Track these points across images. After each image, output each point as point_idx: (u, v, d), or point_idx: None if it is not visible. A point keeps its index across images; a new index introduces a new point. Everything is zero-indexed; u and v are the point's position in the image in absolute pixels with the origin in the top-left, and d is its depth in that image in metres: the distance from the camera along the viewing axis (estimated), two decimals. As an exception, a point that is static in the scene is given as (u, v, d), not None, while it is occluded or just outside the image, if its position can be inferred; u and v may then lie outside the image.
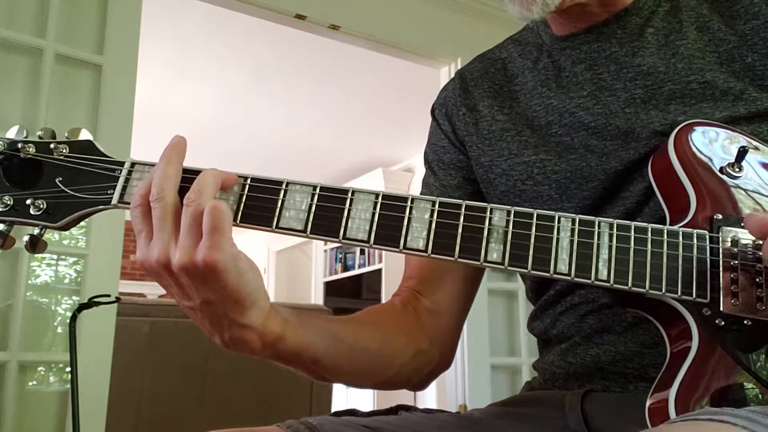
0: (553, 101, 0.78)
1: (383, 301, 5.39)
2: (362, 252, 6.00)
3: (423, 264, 0.85)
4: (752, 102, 0.68)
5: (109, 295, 1.62)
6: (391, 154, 5.54)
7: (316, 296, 6.65)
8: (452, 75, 2.94)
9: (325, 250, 6.59)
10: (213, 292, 0.57)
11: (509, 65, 0.87)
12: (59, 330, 1.92)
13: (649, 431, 0.43)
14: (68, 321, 1.62)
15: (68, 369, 1.70)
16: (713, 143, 0.65)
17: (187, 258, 0.55)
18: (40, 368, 1.89)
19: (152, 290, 7.66)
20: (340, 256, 6.33)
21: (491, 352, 2.60)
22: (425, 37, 2.76)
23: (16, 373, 1.75)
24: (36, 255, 0.64)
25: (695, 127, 0.66)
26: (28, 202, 0.62)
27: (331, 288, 6.43)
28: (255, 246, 8.49)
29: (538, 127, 0.79)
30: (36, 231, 0.63)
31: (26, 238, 0.63)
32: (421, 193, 0.86)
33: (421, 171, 5.60)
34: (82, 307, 1.61)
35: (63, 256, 1.96)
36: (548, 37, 0.82)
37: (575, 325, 0.76)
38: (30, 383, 1.84)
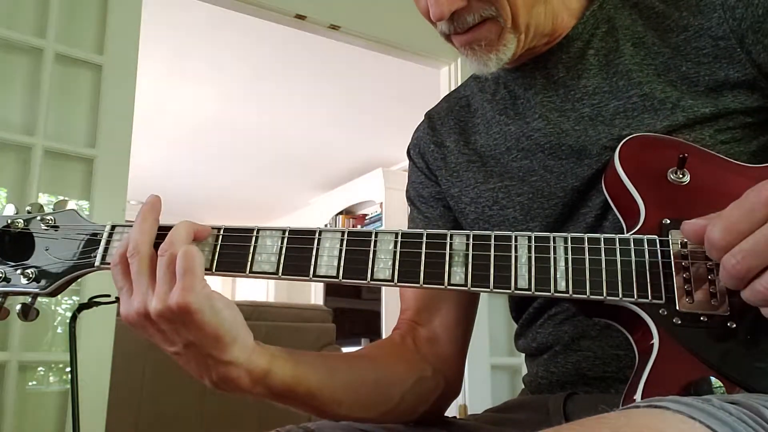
0: (511, 127, 0.83)
1: (383, 301, 5.41)
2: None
3: (417, 294, 0.87)
4: (689, 109, 0.72)
5: (109, 295, 1.62)
6: (391, 154, 5.55)
7: (316, 296, 6.65)
8: (452, 75, 2.94)
9: (325, 250, 6.58)
10: (192, 334, 0.59)
11: (471, 101, 0.92)
12: (59, 330, 1.92)
13: (583, 420, 0.43)
14: (68, 321, 1.62)
15: (68, 369, 1.70)
16: (656, 153, 0.69)
17: (162, 304, 0.59)
18: (40, 368, 1.89)
19: (152, 290, 7.65)
20: (340, 256, 6.33)
21: (491, 352, 2.61)
22: (425, 37, 2.75)
23: (16, 373, 1.75)
24: (32, 322, 0.69)
25: (639, 139, 0.70)
26: (19, 272, 0.67)
27: (331, 288, 6.43)
28: (255, 246, 8.47)
29: (500, 155, 0.83)
30: (28, 300, 0.67)
31: (18, 306, 0.67)
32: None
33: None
34: (82, 307, 1.61)
35: (63, 256, 1.96)
36: (502, 70, 0.86)
37: (553, 334, 0.79)
38: (30, 383, 1.84)
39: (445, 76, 2.86)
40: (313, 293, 6.77)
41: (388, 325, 5.35)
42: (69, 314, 1.71)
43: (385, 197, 5.42)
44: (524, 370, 2.89)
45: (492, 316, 2.61)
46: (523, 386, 0.90)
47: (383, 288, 5.38)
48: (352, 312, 5.98)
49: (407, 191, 0.97)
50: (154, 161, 5.29)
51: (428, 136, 0.93)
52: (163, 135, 4.97)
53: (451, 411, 0.81)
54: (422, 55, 2.81)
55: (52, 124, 1.87)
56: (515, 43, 0.76)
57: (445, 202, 0.90)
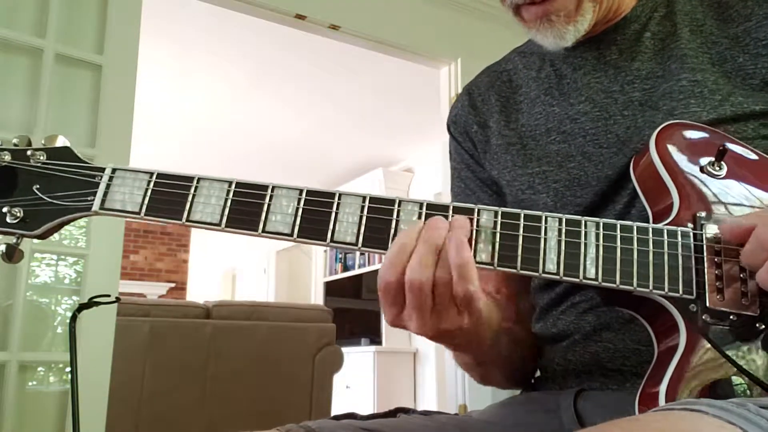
0: (555, 108, 0.81)
1: (383, 301, 5.39)
2: (362, 252, 5.99)
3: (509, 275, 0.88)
4: (739, 105, 0.70)
5: (109, 295, 1.62)
6: (391, 154, 5.55)
7: (316, 296, 6.65)
8: (452, 75, 2.93)
9: (325, 250, 6.59)
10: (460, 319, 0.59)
11: (514, 76, 0.89)
12: (59, 330, 1.92)
13: (619, 421, 0.43)
14: (68, 321, 1.62)
15: (68, 369, 1.70)
16: (694, 142, 0.67)
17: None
18: (40, 368, 1.89)
19: (152, 290, 7.67)
20: (340, 256, 6.34)
21: (491, 352, 2.60)
22: (425, 37, 2.76)
23: (16, 373, 1.75)
24: (16, 264, 0.63)
25: (678, 127, 0.68)
26: (5, 210, 0.61)
27: (331, 288, 6.44)
28: (255, 246, 8.48)
29: (540, 136, 0.81)
30: (13, 240, 0.62)
31: (2, 247, 0.61)
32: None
33: (420, 171, 5.55)
34: (82, 307, 1.61)
35: (63, 256, 1.97)
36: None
37: (574, 322, 0.78)
38: (30, 383, 1.84)
39: (445, 76, 2.85)
40: (313, 293, 6.77)
41: (387, 325, 5.34)
42: (69, 314, 1.71)
43: (385, 197, 5.41)
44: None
45: (492, 316, 2.60)
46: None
47: (383, 288, 5.39)
48: (352, 312, 5.98)
49: (455, 168, 0.93)
50: (154, 161, 5.29)
51: (471, 116, 0.90)
52: (162, 135, 4.97)
53: (452, 410, 0.81)
54: (422, 55, 2.81)
55: (52, 124, 1.87)
56: (591, 14, 0.74)
57: (495, 188, 0.88)
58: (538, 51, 0.87)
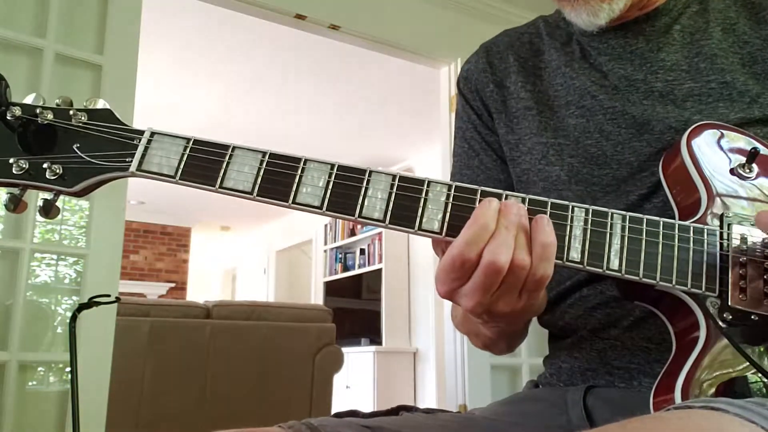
0: (576, 82, 0.81)
1: (382, 301, 5.41)
2: (362, 252, 6.01)
3: None
4: (767, 106, 0.70)
5: (109, 295, 1.62)
6: (391, 154, 5.55)
7: (316, 296, 6.66)
8: (452, 75, 2.91)
9: (325, 251, 6.59)
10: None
11: (536, 40, 0.89)
12: (59, 330, 1.92)
13: (643, 417, 0.43)
14: (68, 321, 1.62)
15: (68, 369, 1.70)
16: (726, 144, 0.67)
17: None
18: (40, 368, 1.89)
19: (152, 290, 7.67)
20: (340, 256, 6.34)
21: (491, 352, 2.60)
22: (425, 37, 2.76)
23: (16, 373, 1.75)
24: (52, 219, 0.62)
25: (709, 128, 0.68)
26: (45, 166, 0.61)
27: (331, 288, 6.44)
28: (255, 246, 8.48)
29: (558, 108, 0.81)
30: (50, 196, 0.63)
31: (40, 202, 0.62)
32: (457, 172, 0.89)
33: (420, 170, 5.55)
34: (82, 307, 1.61)
35: (63, 256, 1.96)
36: (578, 30, 0.84)
37: (582, 317, 0.77)
38: (30, 383, 1.84)
39: (445, 76, 2.85)
40: (313, 293, 6.77)
41: (387, 324, 5.35)
42: (69, 314, 1.71)
43: (385, 197, 5.40)
44: (524, 371, 2.88)
45: (492, 316, 2.61)
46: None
47: (383, 288, 5.39)
48: (352, 312, 5.98)
49: (461, 129, 0.91)
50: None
51: (486, 74, 0.89)
52: (163, 135, 4.96)
53: (452, 410, 0.81)
54: (422, 55, 2.81)
55: (52, 124, 1.87)
56: None
57: (500, 152, 0.87)
58: (566, 28, 0.86)
